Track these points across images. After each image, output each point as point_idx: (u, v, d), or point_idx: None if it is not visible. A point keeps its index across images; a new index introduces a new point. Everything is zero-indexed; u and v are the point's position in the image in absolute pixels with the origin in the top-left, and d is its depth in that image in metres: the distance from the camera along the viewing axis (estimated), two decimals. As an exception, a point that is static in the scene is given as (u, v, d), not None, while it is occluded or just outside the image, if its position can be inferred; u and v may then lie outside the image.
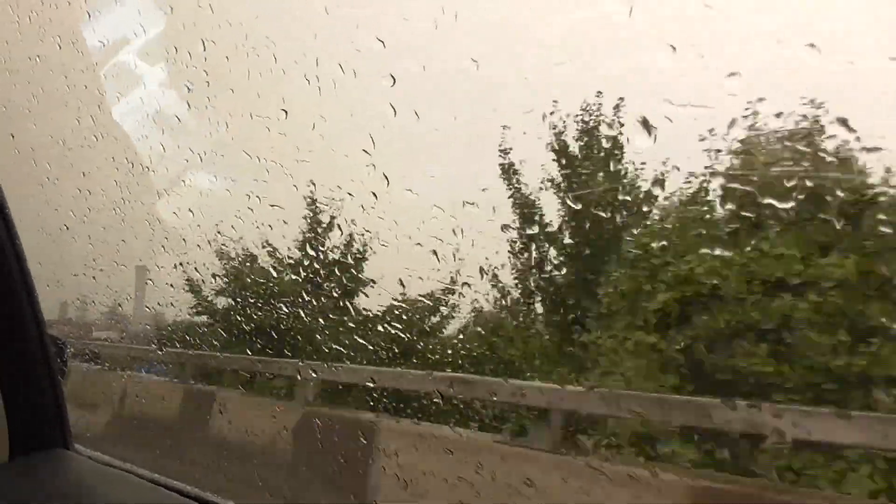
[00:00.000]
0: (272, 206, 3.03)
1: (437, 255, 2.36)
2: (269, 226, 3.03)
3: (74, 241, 5.06)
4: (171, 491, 1.73)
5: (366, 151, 2.45)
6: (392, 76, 2.25)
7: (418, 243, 2.46)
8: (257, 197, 3.13)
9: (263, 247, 3.67)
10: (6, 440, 1.78)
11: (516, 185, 3.25)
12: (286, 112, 2.71)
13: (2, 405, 1.81)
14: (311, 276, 3.59)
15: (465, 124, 2.13)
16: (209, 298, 4.90)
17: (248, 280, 4.04)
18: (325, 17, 2.37)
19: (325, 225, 3.84)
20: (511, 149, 3.13)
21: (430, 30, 2.03)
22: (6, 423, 1.81)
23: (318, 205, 3.68)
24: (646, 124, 1.69)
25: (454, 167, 2.31)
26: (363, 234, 2.65)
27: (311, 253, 3.62)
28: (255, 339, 3.68)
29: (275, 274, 3.40)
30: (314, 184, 2.69)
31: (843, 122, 2.29)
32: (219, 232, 3.39)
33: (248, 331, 3.73)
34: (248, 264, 4.27)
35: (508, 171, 3.15)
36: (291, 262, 3.79)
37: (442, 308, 2.99)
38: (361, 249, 3.45)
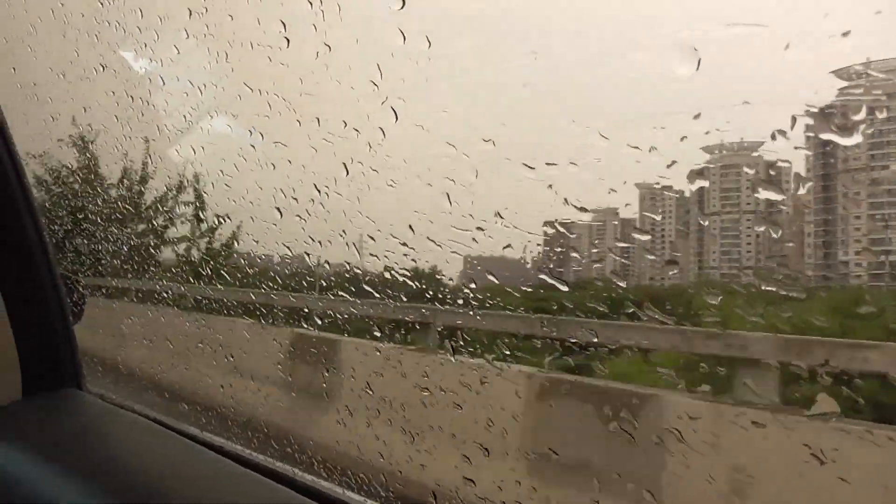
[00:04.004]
0: (275, 143, 2.85)
1: (448, 198, 2.19)
2: (272, 165, 2.85)
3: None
4: (180, 435, 1.75)
5: (373, 83, 2.25)
6: (401, -5, 2.03)
7: (429, 184, 2.28)
8: (260, 133, 2.95)
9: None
10: (19, 379, 1.86)
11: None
12: (288, 40, 2.51)
13: (14, 345, 1.85)
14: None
15: (481, 52, 1.92)
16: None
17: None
18: (327, -68, 2.14)
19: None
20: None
21: (444, -58, 1.81)
22: (19, 362, 1.86)
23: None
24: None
25: (469, 100, 2.12)
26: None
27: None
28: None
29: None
30: (318, 120, 2.49)
31: None
32: (221, 171, 3.22)
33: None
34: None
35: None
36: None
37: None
38: None
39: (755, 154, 2.04)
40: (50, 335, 1.92)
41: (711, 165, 1.78)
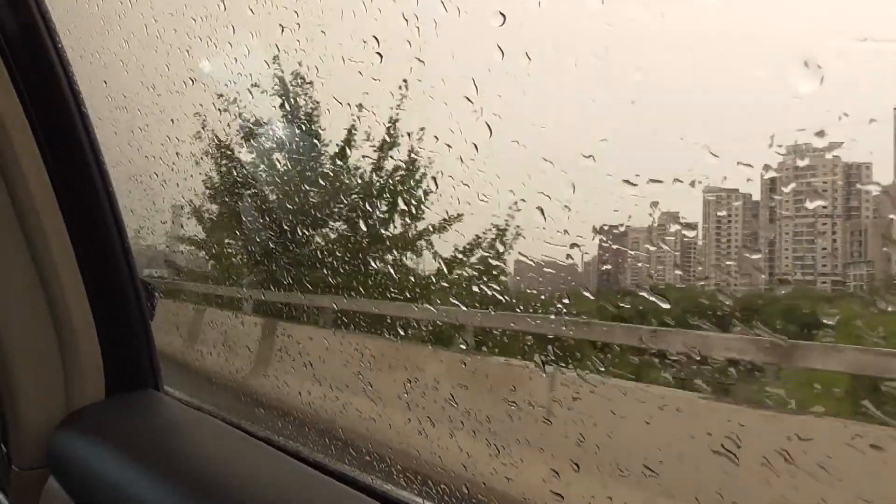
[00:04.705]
0: (363, 157, 2.90)
1: (542, 213, 2.17)
2: (360, 178, 2.90)
3: (164, 188, 5.13)
4: (257, 439, 1.78)
5: (468, 98, 2.26)
6: (502, 14, 2.04)
7: (522, 199, 2.28)
8: (347, 147, 3.01)
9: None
10: (102, 380, 1.98)
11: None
12: (381, 55, 2.55)
13: (98, 347, 1.92)
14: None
15: (585, 68, 1.91)
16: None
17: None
18: (427, -50, 2.16)
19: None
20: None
21: (549, -41, 1.80)
22: (102, 363, 1.93)
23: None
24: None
25: (569, 116, 2.11)
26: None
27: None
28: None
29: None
30: (409, 134, 2.52)
31: None
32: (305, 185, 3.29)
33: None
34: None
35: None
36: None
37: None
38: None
39: (832, 155, 1.96)
40: (131, 337, 2.01)
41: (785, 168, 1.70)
